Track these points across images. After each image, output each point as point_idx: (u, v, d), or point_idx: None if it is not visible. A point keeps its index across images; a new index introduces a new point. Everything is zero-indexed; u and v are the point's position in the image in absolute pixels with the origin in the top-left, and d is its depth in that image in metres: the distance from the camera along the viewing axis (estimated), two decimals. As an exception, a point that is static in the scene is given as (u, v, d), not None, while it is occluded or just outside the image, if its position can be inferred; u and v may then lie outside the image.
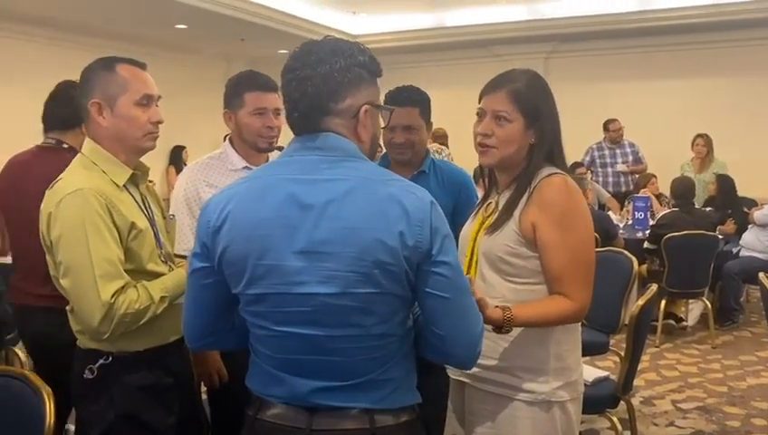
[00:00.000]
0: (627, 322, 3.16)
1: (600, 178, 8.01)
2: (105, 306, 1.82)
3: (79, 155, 2.01)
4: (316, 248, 1.40)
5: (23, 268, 2.73)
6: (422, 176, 2.63)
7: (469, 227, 2.00)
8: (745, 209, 6.63)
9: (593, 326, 3.70)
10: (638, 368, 3.45)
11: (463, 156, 6.92)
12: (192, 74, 10.23)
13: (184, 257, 2.15)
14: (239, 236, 1.44)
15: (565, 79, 8.37)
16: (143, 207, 2.02)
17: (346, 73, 1.45)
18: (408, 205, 1.40)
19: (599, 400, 3.08)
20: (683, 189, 5.89)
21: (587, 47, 9.84)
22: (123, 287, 1.86)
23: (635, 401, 4.17)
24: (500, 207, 1.91)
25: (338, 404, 1.47)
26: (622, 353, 3.24)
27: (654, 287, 3.23)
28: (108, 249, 1.85)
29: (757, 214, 6.10)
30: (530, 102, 1.85)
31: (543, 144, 1.88)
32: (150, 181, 2.20)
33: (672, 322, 5.89)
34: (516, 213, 1.84)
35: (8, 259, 3.96)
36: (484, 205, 2.01)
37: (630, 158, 8.04)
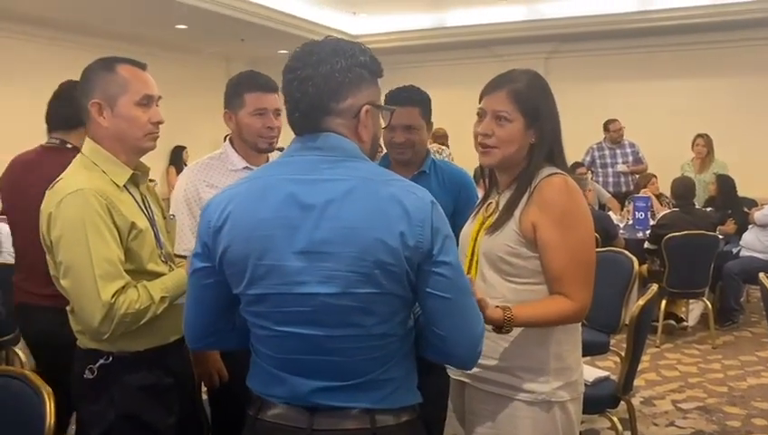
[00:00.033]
0: (627, 322, 3.16)
1: (601, 179, 8.01)
2: (105, 306, 1.82)
3: (79, 155, 2.01)
4: (316, 248, 1.40)
5: (25, 268, 2.73)
6: (423, 176, 2.63)
7: (469, 227, 2.00)
8: (746, 209, 6.63)
9: (594, 326, 3.70)
10: (639, 368, 3.45)
11: (463, 156, 6.92)
12: (192, 74, 10.23)
13: (184, 257, 2.15)
14: (240, 236, 1.44)
15: (565, 79, 8.37)
16: (143, 208, 2.02)
17: (347, 73, 1.45)
18: (408, 205, 1.40)
19: (599, 400, 3.08)
20: (683, 189, 5.89)
21: (587, 47, 9.84)
22: (123, 287, 1.86)
23: (635, 401, 4.17)
24: (500, 208, 1.91)
25: (338, 404, 1.47)
26: (622, 353, 3.24)
27: (654, 287, 3.23)
28: (108, 249, 1.85)
29: (757, 214, 6.10)
30: (530, 102, 1.85)
31: (544, 144, 1.88)
32: (152, 180, 2.20)
33: (672, 322, 5.89)
34: (517, 213, 1.84)
35: (7, 259, 3.98)
36: (485, 205, 2.00)
37: (630, 158, 8.04)
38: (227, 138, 2.65)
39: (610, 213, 6.91)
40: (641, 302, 3.08)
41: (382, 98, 1.65)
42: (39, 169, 2.62)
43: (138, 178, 2.05)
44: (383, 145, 2.50)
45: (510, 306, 1.75)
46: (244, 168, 2.52)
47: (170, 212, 2.38)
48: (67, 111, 2.67)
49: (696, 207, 6.30)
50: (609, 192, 7.79)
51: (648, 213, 6.49)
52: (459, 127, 5.24)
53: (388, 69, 1.56)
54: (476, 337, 1.50)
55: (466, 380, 1.93)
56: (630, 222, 6.64)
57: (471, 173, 3.11)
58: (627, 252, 4.08)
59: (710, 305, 5.69)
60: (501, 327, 1.74)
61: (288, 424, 1.49)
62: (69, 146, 2.70)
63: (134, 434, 1.96)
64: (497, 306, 1.74)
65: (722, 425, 4.05)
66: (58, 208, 1.85)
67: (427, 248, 1.40)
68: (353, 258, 1.38)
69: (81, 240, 1.82)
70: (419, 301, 1.48)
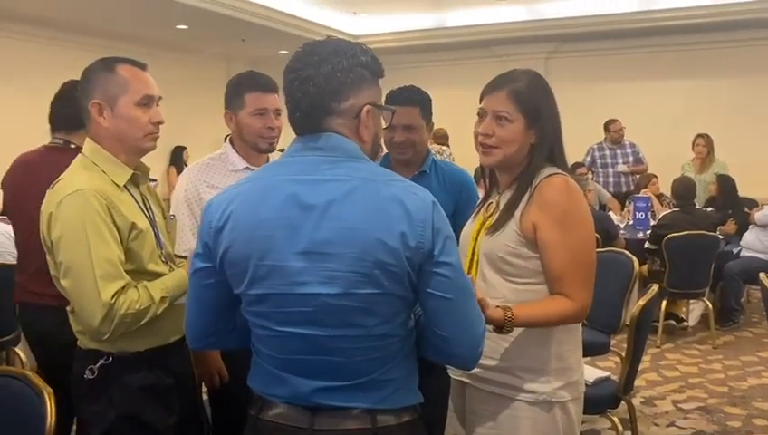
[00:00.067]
0: (628, 322, 3.16)
1: (601, 179, 8.01)
2: (106, 307, 1.82)
3: (79, 155, 2.01)
4: (318, 249, 1.40)
5: (29, 268, 2.73)
6: (423, 176, 2.63)
7: (470, 227, 2.00)
8: (746, 210, 6.63)
9: (594, 326, 3.70)
10: (639, 368, 3.45)
11: (464, 156, 6.93)
12: (193, 75, 10.24)
13: (184, 258, 2.15)
14: (241, 236, 1.44)
15: (566, 79, 8.38)
16: (143, 208, 2.02)
17: (348, 73, 1.45)
18: (409, 205, 1.40)
19: (600, 400, 3.08)
20: (683, 190, 5.89)
21: (587, 47, 9.85)
22: (124, 288, 1.86)
23: (636, 402, 4.17)
24: (501, 208, 1.91)
25: (340, 404, 1.47)
26: (623, 354, 3.24)
27: (655, 287, 3.23)
28: (108, 250, 1.84)
29: (758, 214, 6.10)
30: (531, 103, 1.85)
31: (544, 144, 1.88)
32: (153, 180, 2.20)
33: (673, 322, 5.89)
34: (517, 213, 1.84)
35: (7, 259, 3.98)
36: (485, 205, 2.00)
37: (631, 158, 8.04)
38: (228, 138, 2.65)
39: (611, 213, 6.91)
40: (642, 302, 3.07)
41: (383, 98, 1.65)
42: (42, 169, 2.62)
43: (138, 178, 2.05)
44: (383, 145, 2.50)
45: (510, 306, 1.75)
46: (244, 168, 2.52)
47: (171, 212, 2.38)
48: (70, 112, 2.67)
49: (697, 207, 6.30)
50: (610, 192, 7.79)
51: (649, 213, 6.49)
52: (460, 127, 5.25)
53: (389, 69, 1.56)
54: (477, 337, 1.50)
55: (467, 380, 1.93)
56: (631, 222, 6.64)
57: (471, 173, 3.11)
58: (627, 252, 4.08)
59: (710, 306, 5.69)
60: (501, 327, 1.74)
61: (289, 424, 1.49)
62: (72, 146, 2.70)
63: (134, 434, 1.96)
64: (498, 306, 1.73)
65: (722, 425, 4.05)
66: (58, 209, 1.85)
67: (427, 249, 1.40)
68: (354, 259, 1.38)
69: (81, 240, 1.82)
70: (420, 301, 1.47)
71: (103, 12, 7.78)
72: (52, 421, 1.85)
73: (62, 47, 8.34)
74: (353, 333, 1.43)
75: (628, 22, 8.94)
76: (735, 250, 6.35)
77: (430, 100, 2.68)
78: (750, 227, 6.25)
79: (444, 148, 8.33)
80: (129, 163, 2.01)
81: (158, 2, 7.47)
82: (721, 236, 5.92)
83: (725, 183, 6.80)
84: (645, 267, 5.74)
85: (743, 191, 6.92)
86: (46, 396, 1.88)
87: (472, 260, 1.93)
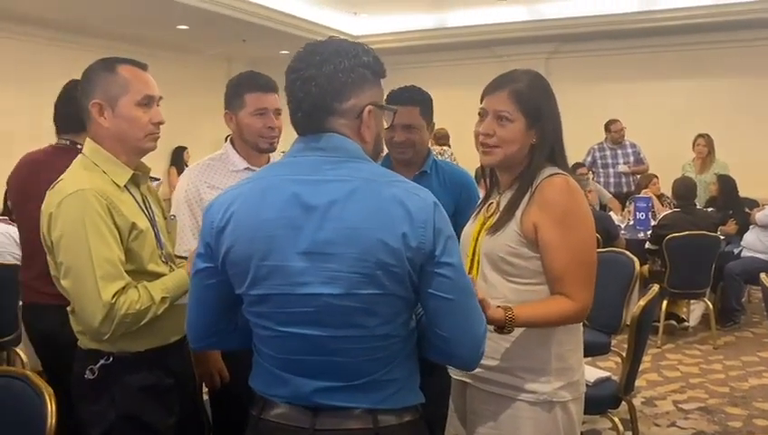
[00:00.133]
0: (628, 322, 3.16)
1: (602, 179, 8.01)
2: (106, 307, 1.82)
3: (80, 156, 2.01)
4: (319, 249, 1.40)
5: (34, 267, 2.73)
6: (424, 176, 2.64)
7: (471, 228, 2.00)
8: (747, 210, 6.62)
9: (595, 327, 3.70)
10: (640, 368, 3.45)
11: (464, 156, 6.93)
12: (193, 75, 10.24)
13: (185, 258, 2.15)
14: (243, 236, 1.44)
15: (566, 79, 8.37)
16: (144, 208, 2.02)
17: (350, 74, 1.45)
18: (411, 206, 1.40)
19: (600, 400, 3.08)
20: (684, 190, 5.89)
21: (588, 48, 9.85)
22: (124, 288, 1.86)
23: (636, 402, 4.17)
24: (501, 208, 1.91)
25: (341, 404, 1.47)
26: (624, 354, 3.24)
27: (655, 288, 3.22)
28: (108, 250, 1.84)
29: (759, 215, 6.09)
30: (531, 103, 1.85)
31: (545, 144, 1.88)
32: (157, 179, 2.20)
33: (673, 322, 5.89)
34: (518, 213, 1.84)
35: (7, 259, 3.98)
36: (486, 205, 2.00)
37: (632, 158, 8.04)
38: (228, 138, 2.65)
39: (611, 213, 6.91)
40: (642, 302, 3.07)
41: (384, 98, 1.65)
42: (48, 169, 2.62)
43: (138, 178, 2.05)
44: (384, 145, 2.50)
45: (511, 306, 1.75)
46: (245, 168, 2.52)
47: (171, 213, 2.38)
48: (74, 112, 2.67)
49: (698, 207, 6.30)
50: (611, 192, 7.79)
51: (649, 213, 6.49)
52: (460, 127, 5.23)
53: (389, 69, 1.56)
54: (479, 338, 1.50)
55: (468, 380, 1.93)
56: (631, 222, 6.63)
57: (472, 173, 3.11)
58: (628, 252, 4.08)
59: (711, 306, 5.69)
60: (502, 327, 1.74)
61: (291, 424, 1.49)
62: (79, 147, 2.70)
63: (134, 434, 1.96)
64: (499, 306, 1.73)
65: (723, 425, 4.05)
66: (58, 209, 1.85)
67: (429, 249, 1.40)
68: (355, 259, 1.38)
69: (81, 241, 1.82)
70: (422, 302, 1.47)
71: (104, 12, 7.78)
72: (53, 422, 1.85)
73: (62, 48, 8.35)
74: (355, 333, 1.43)
75: (628, 22, 8.94)
76: (736, 250, 6.35)
77: (431, 100, 2.69)
78: (750, 227, 6.25)
79: (445, 148, 8.33)
80: (130, 163, 2.01)
81: (159, 2, 7.47)
82: (722, 237, 5.92)
83: (726, 183, 6.80)
84: (645, 268, 5.73)
85: (743, 191, 6.92)
86: (47, 396, 1.88)
87: (473, 260, 1.93)
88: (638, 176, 7.72)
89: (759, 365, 5.12)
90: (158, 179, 2.26)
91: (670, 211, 6.08)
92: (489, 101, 1.89)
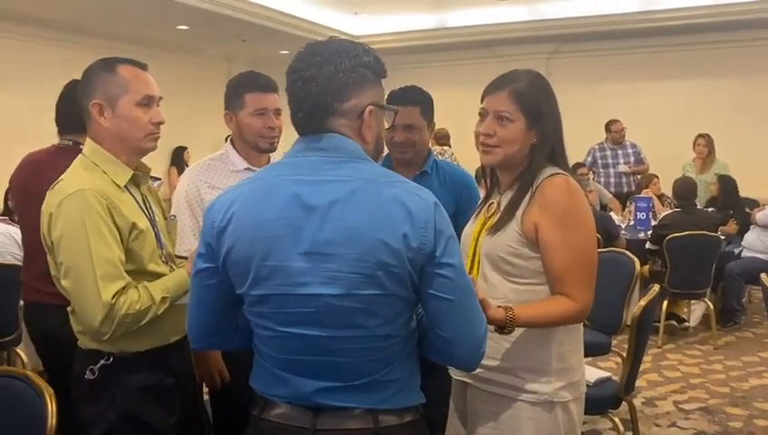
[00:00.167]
0: (629, 322, 3.16)
1: (602, 179, 8.01)
2: (106, 307, 1.82)
3: (80, 156, 2.01)
4: (320, 249, 1.40)
5: (35, 266, 2.73)
6: (424, 176, 2.64)
7: (471, 228, 2.00)
8: (747, 210, 6.62)
9: (595, 327, 3.70)
10: (640, 369, 3.45)
11: (465, 156, 6.92)
12: (193, 75, 10.24)
13: (185, 258, 2.15)
14: (244, 236, 1.44)
15: (567, 79, 8.37)
16: (144, 208, 2.02)
17: (351, 74, 1.45)
18: (411, 206, 1.40)
19: (601, 400, 3.08)
20: (684, 190, 5.89)
21: (588, 48, 9.85)
22: (124, 288, 1.85)
23: (637, 402, 4.17)
24: (502, 208, 1.91)
25: (342, 404, 1.47)
26: (624, 354, 3.24)
27: (656, 288, 3.22)
28: (109, 250, 1.84)
29: (759, 215, 6.09)
30: (532, 103, 1.85)
31: (545, 144, 1.88)
32: (158, 178, 2.19)
33: (674, 322, 5.89)
34: (518, 213, 1.84)
35: (7, 259, 3.98)
36: (486, 205, 2.00)
37: (632, 158, 8.04)
38: (229, 138, 2.65)
39: (612, 213, 6.91)
40: (643, 302, 3.07)
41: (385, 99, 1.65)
42: (51, 169, 2.63)
43: (138, 178, 2.05)
44: (385, 145, 2.50)
45: (512, 307, 1.75)
46: (245, 168, 2.52)
47: (171, 213, 2.38)
48: (75, 112, 2.67)
49: (698, 207, 6.29)
50: (611, 193, 7.79)
51: (650, 213, 6.49)
52: (461, 127, 5.23)
53: (390, 69, 1.56)
54: (479, 338, 1.50)
55: (469, 380, 1.93)
56: (632, 222, 6.63)
57: (473, 173, 3.11)
58: (628, 252, 4.08)
59: (712, 306, 5.68)
60: (503, 327, 1.74)
61: (291, 424, 1.49)
62: (81, 147, 2.71)
63: (135, 434, 1.96)
64: (499, 306, 1.73)
65: (724, 426, 4.05)
66: (59, 209, 1.85)
67: (429, 250, 1.40)
68: (356, 259, 1.38)
69: (81, 241, 1.82)
70: (422, 302, 1.47)
71: (104, 12, 7.78)
72: (54, 422, 1.85)
73: (62, 48, 8.35)
74: (355, 333, 1.42)
75: (629, 22, 8.94)
76: (737, 250, 6.35)
77: (431, 100, 2.69)
78: (751, 227, 6.25)
79: (445, 148, 8.33)
80: (130, 163, 2.01)
81: (159, 2, 7.47)
82: (722, 237, 5.91)
83: (726, 183, 6.80)
84: (646, 268, 5.73)
85: (744, 191, 6.92)
86: (47, 397, 1.88)
87: (473, 260, 1.93)
88: (639, 176, 7.72)
89: (759, 365, 5.12)
90: (158, 179, 2.26)
91: (671, 211, 6.08)
92: (489, 101, 1.89)
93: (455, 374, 2.01)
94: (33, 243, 2.77)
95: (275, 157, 2.59)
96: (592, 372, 3.18)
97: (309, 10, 8.99)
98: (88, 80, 1.98)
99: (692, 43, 9.20)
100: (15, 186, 2.93)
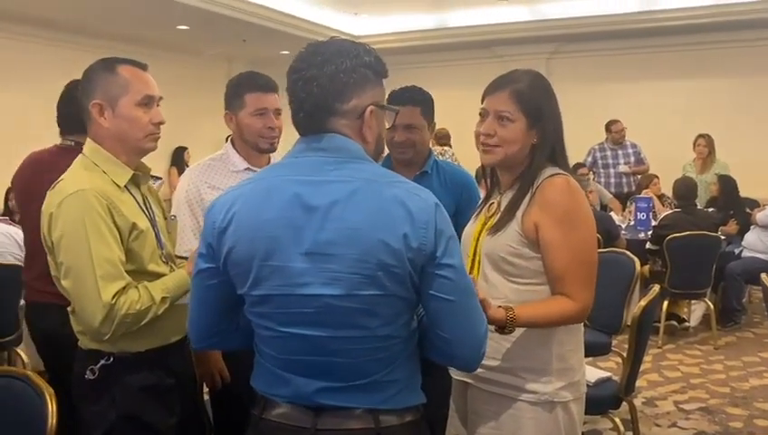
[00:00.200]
0: (629, 322, 3.16)
1: (602, 179, 8.01)
2: (106, 307, 1.81)
3: (80, 156, 2.01)
4: (321, 250, 1.40)
5: (36, 266, 2.73)
6: (425, 176, 2.64)
7: (471, 228, 2.00)
8: (748, 210, 6.62)
9: (595, 327, 3.70)
10: (641, 369, 3.45)
11: (465, 156, 6.92)
12: (193, 75, 10.24)
13: (185, 259, 2.15)
14: (244, 236, 1.44)
15: (567, 79, 8.36)
16: (144, 208, 2.02)
17: (352, 74, 1.45)
18: (412, 207, 1.40)
19: (601, 400, 3.08)
20: (685, 190, 5.89)
21: (589, 48, 9.85)
22: (124, 288, 1.85)
23: (637, 402, 4.17)
24: (502, 208, 1.91)
25: (342, 404, 1.47)
26: (624, 354, 3.24)
27: (656, 288, 3.22)
28: (109, 250, 1.84)
29: (759, 215, 6.09)
30: (532, 103, 1.85)
31: (546, 144, 1.88)
32: (159, 178, 2.19)
33: (674, 322, 5.89)
34: (519, 213, 1.84)
35: (8, 259, 3.98)
36: (487, 205, 2.00)
37: (632, 158, 8.04)
38: (229, 139, 2.65)
39: (612, 214, 6.91)
40: (643, 302, 3.07)
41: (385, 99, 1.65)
42: (53, 169, 2.63)
43: (139, 178, 2.05)
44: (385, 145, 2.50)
45: (512, 306, 1.75)
46: (245, 169, 2.52)
47: (172, 213, 2.38)
48: (77, 113, 2.67)
49: (698, 207, 6.29)
50: (611, 193, 7.79)
51: (650, 214, 6.49)
52: (461, 127, 5.24)
53: (390, 70, 1.56)
54: (480, 338, 1.50)
55: (469, 380, 1.93)
56: (632, 223, 6.63)
57: (473, 173, 3.11)
58: (628, 253, 4.08)
59: (712, 306, 5.68)
60: (503, 327, 1.74)
61: (292, 424, 1.49)
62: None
63: (135, 434, 1.96)
64: (500, 306, 1.73)
65: (724, 426, 4.05)
66: (59, 209, 1.85)
67: (430, 250, 1.40)
68: (356, 260, 1.38)
69: (81, 241, 1.82)
70: (423, 303, 1.47)
71: (104, 12, 7.78)
72: (54, 422, 1.86)
73: (62, 48, 8.34)
74: (356, 334, 1.42)
75: (629, 22, 8.93)
76: (737, 251, 6.35)
77: (432, 100, 2.69)
78: (751, 227, 6.25)
79: (446, 148, 8.33)
80: (130, 163, 2.01)
81: (159, 2, 7.47)
82: (722, 237, 5.91)
83: (727, 183, 6.80)
84: (646, 268, 5.73)
85: (744, 191, 6.92)
86: (48, 397, 1.88)
87: (473, 260, 1.93)
88: (639, 176, 7.72)
89: (760, 365, 5.12)
90: (159, 178, 2.26)
91: (671, 211, 6.08)
92: (490, 102, 1.89)
93: (455, 374, 2.01)
94: (35, 243, 2.77)
95: (275, 157, 2.59)
96: (593, 373, 3.18)
97: (309, 10, 8.99)
98: (88, 80, 1.98)
99: (692, 43, 9.20)
100: (17, 185, 2.94)
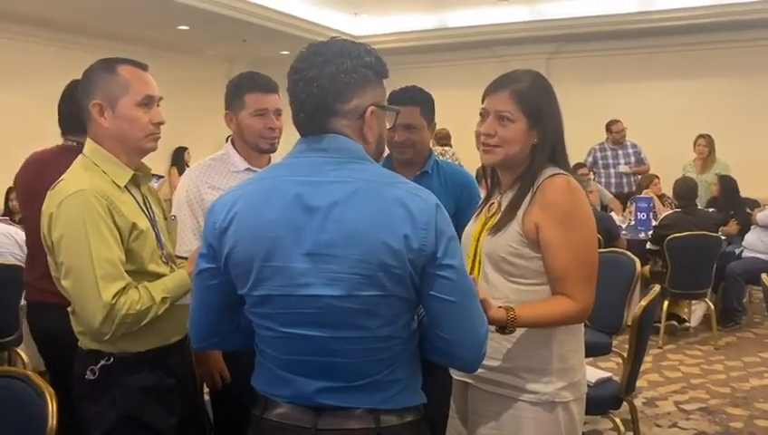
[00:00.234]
0: (629, 323, 3.15)
1: (603, 179, 8.01)
2: (106, 307, 1.81)
3: (80, 156, 2.01)
4: (321, 250, 1.40)
5: (38, 266, 2.73)
6: (425, 177, 2.64)
7: (472, 228, 2.00)
8: (748, 210, 6.62)
9: (596, 327, 3.70)
10: (641, 369, 3.45)
11: (466, 156, 6.92)
12: (194, 75, 10.24)
13: (185, 259, 2.15)
14: (245, 237, 1.44)
15: (567, 79, 8.37)
16: (144, 208, 2.02)
17: (352, 74, 1.45)
18: (413, 207, 1.40)
19: (601, 401, 3.07)
20: (685, 190, 5.89)
21: (589, 48, 9.85)
22: (124, 288, 1.85)
23: (637, 403, 4.17)
24: (503, 208, 1.90)
25: (343, 404, 1.47)
26: (625, 354, 3.24)
27: (656, 288, 3.22)
28: (109, 250, 1.84)
29: (760, 215, 6.09)
30: (533, 103, 1.85)
31: (546, 144, 1.88)
32: (161, 176, 2.19)
33: (675, 323, 5.89)
34: (519, 214, 1.84)
35: (8, 259, 3.98)
36: (487, 205, 2.00)
37: (633, 159, 8.04)
38: (229, 139, 2.65)
39: (612, 214, 6.91)
40: (643, 303, 3.07)
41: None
42: (55, 169, 2.63)
43: (139, 178, 2.05)
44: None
45: (513, 307, 1.75)
46: (245, 169, 2.52)
47: (172, 213, 2.38)
48: (77, 113, 2.67)
49: (699, 207, 6.29)
50: (612, 193, 7.79)
51: (651, 214, 6.49)
52: (461, 127, 5.24)
53: (390, 70, 1.55)
54: (480, 339, 1.50)
55: (470, 380, 1.93)
56: (632, 223, 6.63)
57: (473, 174, 3.11)
58: (629, 253, 4.08)
59: (712, 306, 5.68)
60: (504, 327, 1.74)
61: (293, 424, 1.49)
62: None
63: (135, 435, 1.96)
64: (500, 307, 1.73)
65: (724, 426, 4.04)
66: (59, 209, 1.85)
67: (431, 251, 1.40)
68: (357, 261, 1.38)
69: (81, 241, 1.82)
70: (423, 304, 1.47)
71: (104, 12, 7.78)
72: (54, 422, 1.86)
73: (62, 48, 8.35)
74: (356, 334, 1.42)
75: (629, 22, 8.94)
76: (737, 251, 6.35)
77: (432, 100, 2.69)
78: (752, 227, 6.24)
79: (446, 148, 8.33)
80: (130, 164, 2.01)
81: (159, 2, 7.48)
82: (723, 237, 5.91)
83: (727, 183, 6.80)
84: (647, 268, 5.73)
85: (744, 192, 6.92)
86: (48, 397, 1.88)
87: (474, 260, 1.93)
88: (639, 176, 7.72)
89: (760, 366, 5.12)
90: (161, 177, 2.26)
91: (671, 211, 6.08)
92: (490, 102, 1.89)
93: (456, 374, 2.00)
94: (36, 242, 2.76)
95: (276, 157, 2.59)
96: (593, 373, 3.18)
97: (309, 10, 8.99)
98: (88, 80, 1.98)
99: (692, 43, 9.21)
100: (20, 185, 2.94)
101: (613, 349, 3.88)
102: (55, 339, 2.54)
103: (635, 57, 9.64)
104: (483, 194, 2.17)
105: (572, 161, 2.13)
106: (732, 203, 6.70)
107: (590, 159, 8.08)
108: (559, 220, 1.79)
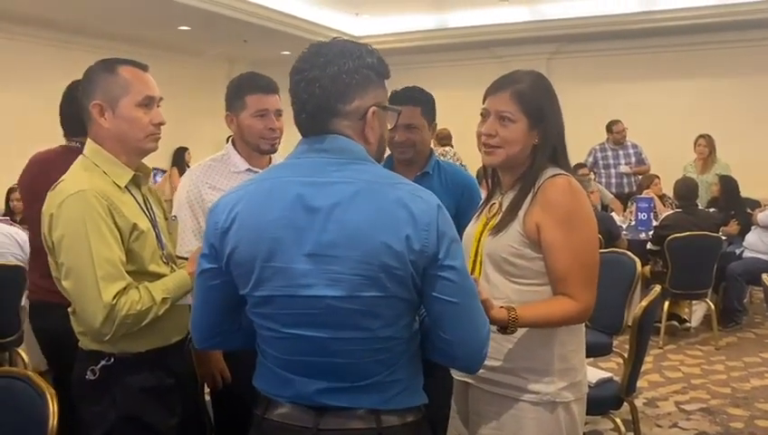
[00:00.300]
0: (630, 323, 3.15)
1: (603, 180, 8.01)
2: (107, 308, 1.81)
3: (81, 156, 2.01)
4: (323, 251, 1.40)
5: (41, 265, 2.73)
6: (426, 177, 2.64)
7: (473, 228, 2.00)
8: (748, 210, 6.62)
9: (596, 327, 3.70)
10: (642, 369, 3.44)
11: (467, 156, 6.93)
12: (194, 76, 10.25)
13: (186, 259, 2.15)
14: (247, 237, 1.44)
15: (567, 80, 8.38)
16: (145, 209, 2.02)
17: (354, 75, 1.45)
18: (414, 209, 1.40)
19: (602, 401, 3.07)
20: (686, 190, 5.89)
21: (589, 48, 9.85)
22: (125, 289, 1.85)
23: (638, 403, 4.16)
24: (504, 208, 1.90)
25: (345, 405, 1.47)
26: (625, 355, 3.23)
27: (657, 288, 3.22)
28: (109, 250, 1.84)
29: (760, 215, 6.09)
30: (534, 103, 1.85)
31: (547, 145, 1.88)
32: (164, 171, 2.19)
33: (675, 323, 5.89)
34: (520, 214, 1.84)
35: (9, 259, 3.98)
36: (488, 205, 2.00)
37: (633, 159, 8.04)
38: (230, 139, 2.65)
39: (613, 214, 6.91)
40: (644, 303, 3.07)
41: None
42: (57, 169, 2.62)
43: (139, 179, 2.05)
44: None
45: (514, 307, 1.75)
46: (246, 169, 2.52)
47: (172, 213, 2.38)
48: (77, 113, 2.67)
49: (699, 207, 6.29)
50: (612, 193, 7.79)
51: (651, 214, 6.49)
52: (462, 127, 5.25)
53: (390, 70, 1.55)
54: (482, 340, 1.50)
55: (471, 381, 1.93)
56: (633, 223, 6.63)
57: (474, 174, 3.11)
58: (629, 253, 4.07)
59: (713, 306, 5.68)
60: (505, 328, 1.74)
61: (294, 424, 1.49)
62: None
63: (136, 435, 1.96)
64: (502, 307, 1.73)
65: (725, 426, 4.04)
66: (59, 209, 1.85)
67: (432, 252, 1.40)
68: (358, 261, 1.38)
69: (82, 241, 1.82)
70: (425, 305, 1.47)
71: (104, 12, 7.78)
72: (55, 422, 1.85)
73: (62, 48, 8.35)
74: (358, 335, 1.42)
75: (629, 22, 8.94)
76: (738, 251, 6.35)
77: (433, 100, 2.69)
78: (752, 227, 6.24)
79: (447, 149, 8.33)
80: (131, 164, 2.01)
81: (160, 3, 7.48)
82: (723, 237, 5.91)
83: (727, 184, 6.79)
84: (647, 268, 5.73)
85: (745, 192, 6.92)
86: (48, 397, 1.88)
87: (475, 261, 1.93)
88: (640, 176, 7.72)
89: (761, 366, 5.12)
90: (164, 171, 2.26)
91: (672, 212, 6.08)
92: (491, 102, 1.89)
93: (457, 375, 2.00)
94: (39, 242, 2.77)
95: (277, 158, 2.59)
96: (594, 373, 3.17)
97: (309, 10, 8.99)
98: (88, 80, 1.98)
99: (693, 43, 9.21)
100: (23, 185, 2.94)
101: (614, 349, 3.88)
102: (57, 339, 2.54)
103: (635, 57, 9.64)
104: (483, 194, 2.17)
105: (573, 162, 2.14)
106: (732, 203, 6.70)
107: (591, 159, 8.08)
108: (560, 221, 1.79)
